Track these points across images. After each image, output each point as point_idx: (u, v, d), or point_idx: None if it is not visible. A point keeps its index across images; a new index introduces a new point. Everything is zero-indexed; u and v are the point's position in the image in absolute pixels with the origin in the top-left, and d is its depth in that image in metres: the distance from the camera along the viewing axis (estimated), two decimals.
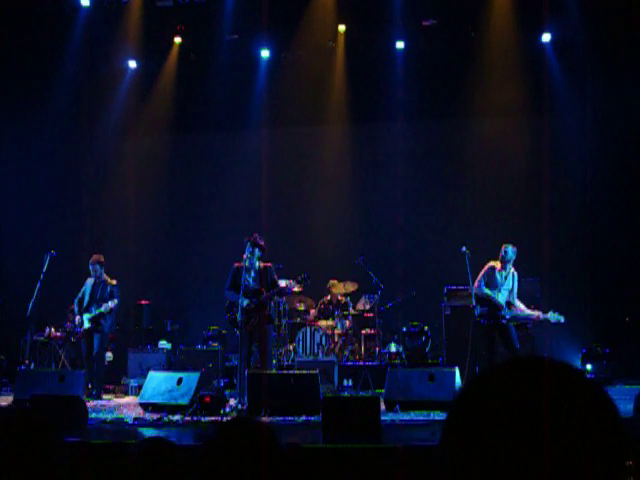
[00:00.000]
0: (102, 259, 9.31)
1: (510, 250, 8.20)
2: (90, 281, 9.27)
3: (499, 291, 8.16)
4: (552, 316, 8.04)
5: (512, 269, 8.25)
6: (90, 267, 9.21)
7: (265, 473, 1.70)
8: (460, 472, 0.86)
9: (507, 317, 8.10)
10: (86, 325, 9.09)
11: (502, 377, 0.90)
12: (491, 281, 8.23)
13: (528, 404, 0.85)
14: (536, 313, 8.17)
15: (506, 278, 8.21)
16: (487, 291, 8.16)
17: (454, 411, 0.92)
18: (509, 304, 8.13)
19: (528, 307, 8.35)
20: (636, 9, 10.40)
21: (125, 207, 13.07)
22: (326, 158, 12.78)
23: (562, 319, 8.03)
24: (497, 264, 8.27)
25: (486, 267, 8.30)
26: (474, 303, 8.12)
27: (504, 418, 0.85)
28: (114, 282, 9.26)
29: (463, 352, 9.21)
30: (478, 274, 8.32)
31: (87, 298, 9.17)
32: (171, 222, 12.88)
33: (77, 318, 9.21)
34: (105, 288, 9.16)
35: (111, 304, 8.98)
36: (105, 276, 9.26)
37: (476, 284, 8.23)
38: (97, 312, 9.01)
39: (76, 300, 9.25)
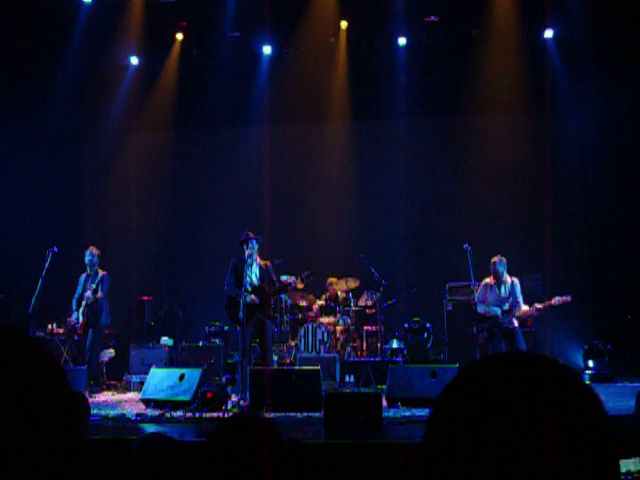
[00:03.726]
0: (98, 251, 9.32)
1: (498, 263, 8.19)
2: (83, 276, 9.26)
3: (498, 305, 8.16)
4: (557, 300, 8.01)
5: (510, 278, 8.23)
6: (88, 256, 9.16)
7: (267, 468, 1.71)
8: (442, 471, 0.85)
9: (510, 325, 8.08)
10: (81, 318, 9.08)
11: (484, 374, 0.89)
12: (488, 297, 8.25)
13: (511, 401, 0.84)
14: (539, 306, 8.11)
15: (500, 289, 8.20)
16: (480, 309, 8.19)
17: (437, 408, 0.91)
18: (507, 312, 8.10)
19: (531, 305, 8.32)
20: (638, 4, 10.38)
21: (127, 203, 13.07)
22: (328, 154, 12.78)
23: (570, 298, 7.99)
24: (490, 279, 8.29)
25: (480, 285, 8.32)
26: (478, 320, 8.16)
27: (486, 416, 0.84)
28: (104, 272, 9.21)
29: (465, 348, 9.23)
30: (480, 273, 8.35)
31: (80, 292, 9.18)
32: (173, 218, 12.88)
33: (74, 315, 9.19)
34: (95, 278, 9.12)
35: (92, 296, 8.93)
36: (97, 267, 9.24)
37: (474, 301, 8.28)
38: (85, 302, 9.01)
39: (74, 299, 9.23)
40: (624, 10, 10.56)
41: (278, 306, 10.31)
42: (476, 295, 8.28)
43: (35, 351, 0.94)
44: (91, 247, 9.30)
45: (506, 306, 8.12)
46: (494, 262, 8.22)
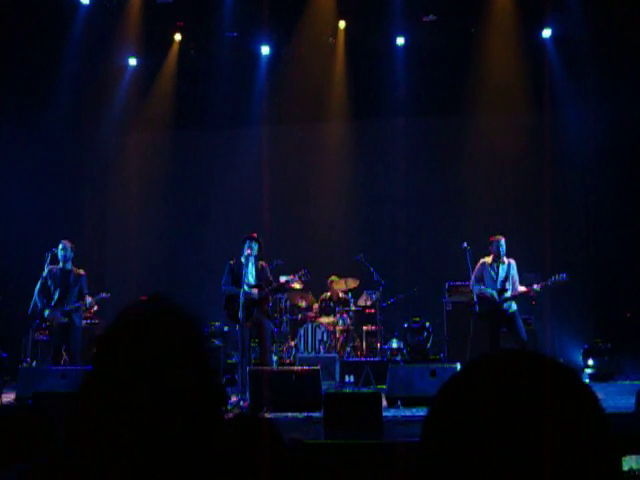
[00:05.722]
0: (72, 244, 8.61)
1: (500, 241, 8.19)
2: (53, 269, 8.50)
3: (494, 285, 8.15)
4: (552, 281, 8.01)
5: (507, 259, 8.22)
6: (61, 246, 8.44)
7: (268, 469, 1.70)
8: (440, 470, 0.85)
9: (508, 310, 8.07)
10: (62, 320, 8.37)
11: (481, 374, 0.89)
12: (485, 276, 8.23)
13: (509, 400, 0.83)
14: (536, 286, 8.09)
15: (498, 269, 8.18)
16: (475, 288, 8.19)
17: (434, 407, 0.91)
18: (501, 291, 8.10)
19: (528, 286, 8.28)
20: (637, 3, 10.38)
21: (126, 205, 13.07)
22: (327, 154, 12.77)
23: (565, 276, 7.99)
24: (488, 259, 8.28)
25: (478, 264, 8.32)
26: (475, 300, 8.14)
27: (483, 415, 0.84)
28: (82, 272, 8.57)
29: (465, 348, 9.21)
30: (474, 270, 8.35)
31: (57, 290, 8.46)
32: (172, 219, 12.88)
33: (47, 312, 8.33)
34: (76, 278, 8.47)
35: (89, 299, 8.41)
36: (71, 265, 8.57)
37: (471, 281, 8.27)
38: (74, 306, 8.35)
39: (39, 292, 8.40)
40: (623, 9, 10.55)
41: (277, 306, 10.31)
42: (473, 274, 8.27)
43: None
44: (64, 241, 8.56)
45: (507, 286, 8.10)
46: (497, 240, 8.18)
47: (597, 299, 11.05)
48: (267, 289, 8.17)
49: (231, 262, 8.30)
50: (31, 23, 11.11)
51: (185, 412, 1.01)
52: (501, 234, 8.34)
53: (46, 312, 8.41)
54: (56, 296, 8.49)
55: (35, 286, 8.47)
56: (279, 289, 8.63)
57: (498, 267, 8.20)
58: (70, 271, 8.58)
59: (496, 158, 11.96)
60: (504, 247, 8.20)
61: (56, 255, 8.57)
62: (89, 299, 8.49)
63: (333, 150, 12.78)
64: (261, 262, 8.36)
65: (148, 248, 12.61)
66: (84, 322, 9.05)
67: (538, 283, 8.16)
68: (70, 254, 8.58)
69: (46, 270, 8.50)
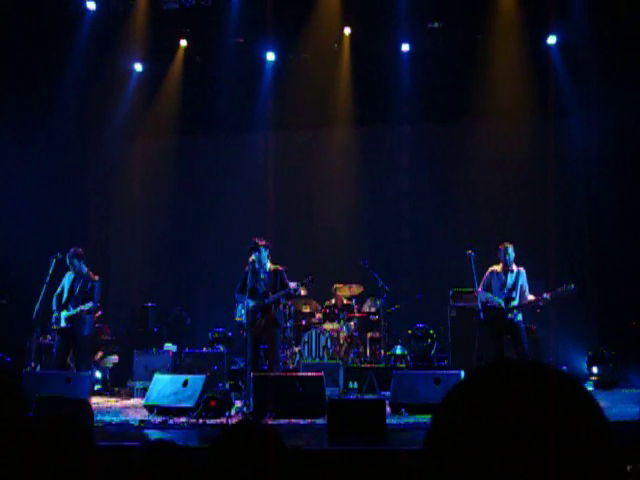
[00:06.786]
0: (81, 252, 8.55)
1: (510, 249, 8.15)
2: (69, 275, 8.54)
3: (502, 293, 8.10)
4: (562, 290, 7.95)
5: (516, 267, 8.18)
6: (67, 261, 8.47)
7: (271, 476, 1.70)
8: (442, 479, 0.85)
9: (514, 319, 8.01)
10: (62, 324, 8.32)
11: (485, 383, 0.89)
12: (492, 284, 8.19)
13: (513, 410, 0.83)
14: (546, 295, 8.00)
15: (507, 277, 8.13)
16: (484, 295, 8.14)
17: (438, 416, 0.91)
18: (508, 300, 8.04)
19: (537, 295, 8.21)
20: None
21: (131, 210, 13.10)
22: (332, 160, 12.79)
23: (573, 287, 7.90)
24: (497, 267, 8.24)
25: (487, 272, 8.28)
26: (479, 307, 8.10)
27: (487, 425, 0.83)
28: (96, 278, 8.53)
29: (469, 355, 9.19)
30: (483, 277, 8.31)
31: (66, 294, 8.48)
32: (177, 224, 12.89)
33: (54, 315, 8.39)
34: (86, 284, 8.44)
35: (86, 306, 8.27)
36: (87, 271, 8.56)
37: (479, 289, 8.22)
38: (74, 312, 8.29)
39: (55, 296, 8.48)
40: (627, 17, 10.55)
41: (282, 312, 10.30)
42: (481, 282, 8.21)
43: None
44: (70, 250, 8.53)
45: (513, 294, 8.05)
46: (505, 248, 8.13)
47: (601, 306, 11.02)
48: (271, 296, 8.15)
49: (246, 269, 8.29)
50: (38, 28, 11.15)
51: None
52: (509, 241, 8.30)
53: (54, 315, 8.45)
54: (64, 299, 8.50)
55: (38, 290, 8.48)
56: (286, 296, 8.57)
57: (506, 275, 8.15)
58: (82, 276, 8.54)
59: (500, 164, 11.95)
60: (512, 254, 8.14)
61: (61, 261, 8.60)
62: (81, 307, 8.34)
63: (338, 156, 12.79)
64: (274, 266, 8.33)
65: (152, 253, 12.63)
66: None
67: (545, 291, 8.09)
68: (78, 262, 8.54)
69: (66, 276, 8.56)
